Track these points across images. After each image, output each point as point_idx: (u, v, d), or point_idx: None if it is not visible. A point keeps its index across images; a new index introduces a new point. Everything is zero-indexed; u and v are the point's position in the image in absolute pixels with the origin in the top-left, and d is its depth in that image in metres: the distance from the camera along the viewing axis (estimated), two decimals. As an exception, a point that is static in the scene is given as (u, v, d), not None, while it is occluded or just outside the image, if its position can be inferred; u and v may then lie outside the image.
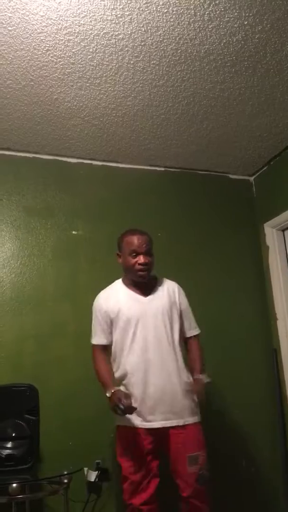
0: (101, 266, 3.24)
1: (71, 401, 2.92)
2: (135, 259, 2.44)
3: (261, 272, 3.59)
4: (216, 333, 3.23)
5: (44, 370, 2.92)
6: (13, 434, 2.38)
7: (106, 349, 2.50)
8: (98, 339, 2.50)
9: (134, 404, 2.22)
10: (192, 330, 2.57)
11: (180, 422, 2.31)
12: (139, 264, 2.43)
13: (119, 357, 2.43)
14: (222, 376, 3.11)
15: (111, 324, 2.47)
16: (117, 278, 3.21)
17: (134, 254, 2.45)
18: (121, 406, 2.16)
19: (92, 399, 2.92)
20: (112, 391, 2.26)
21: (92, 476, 2.82)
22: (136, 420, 2.31)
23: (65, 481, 2.32)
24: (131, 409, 2.19)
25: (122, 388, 2.35)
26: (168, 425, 2.31)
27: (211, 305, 3.34)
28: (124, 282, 2.56)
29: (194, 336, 2.57)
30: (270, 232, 3.58)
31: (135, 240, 2.47)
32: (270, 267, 3.54)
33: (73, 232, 3.29)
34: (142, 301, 2.47)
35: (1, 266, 3.07)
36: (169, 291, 2.54)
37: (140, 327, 2.40)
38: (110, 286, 2.60)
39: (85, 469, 2.81)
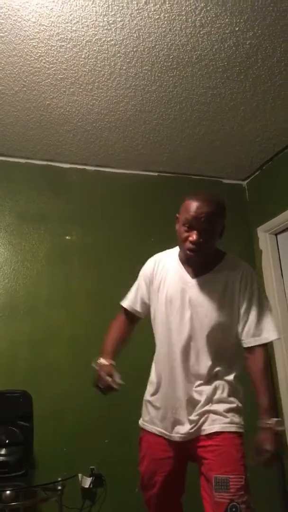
0: (95, 271, 3.25)
1: (65, 407, 2.91)
2: (187, 234, 1.86)
3: (254, 276, 3.60)
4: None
5: (38, 376, 2.90)
6: (7, 441, 2.38)
7: (129, 315, 2.15)
8: (126, 300, 2.16)
9: (117, 381, 1.87)
10: (252, 339, 1.88)
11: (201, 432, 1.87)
12: (190, 242, 1.85)
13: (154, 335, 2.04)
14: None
15: (149, 295, 2.08)
16: (112, 283, 3.23)
17: (188, 225, 1.85)
18: (99, 385, 1.88)
19: (86, 405, 2.92)
20: (99, 361, 1.95)
21: (87, 482, 2.81)
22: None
23: (59, 487, 2.32)
24: (109, 390, 1.88)
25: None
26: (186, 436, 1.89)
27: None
28: (179, 255, 2.03)
29: (256, 347, 1.88)
30: (263, 236, 3.59)
31: (194, 207, 1.83)
32: (263, 271, 3.54)
33: (67, 237, 3.29)
34: (186, 282, 1.95)
35: (-6, 272, 3.06)
36: (229, 278, 1.92)
37: (168, 313, 1.95)
38: (167, 251, 2.14)
39: (80, 475, 2.80)
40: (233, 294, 1.91)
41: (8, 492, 2.17)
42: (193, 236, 1.84)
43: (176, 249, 2.06)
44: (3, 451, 2.34)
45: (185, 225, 1.86)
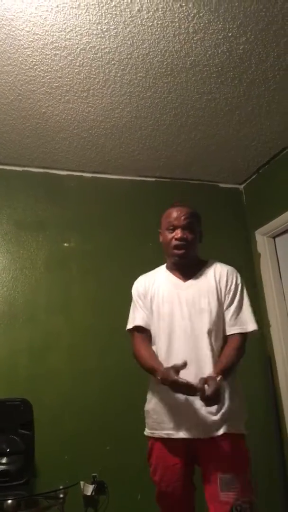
0: (94, 278, 3.25)
1: (66, 414, 2.90)
2: (172, 234, 2.08)
3: (253, 279, 3.60)
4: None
5: (38, 384, 2.90)
6: (8, 450, 2.36)
7: (145, 334, 2.12)
8: (133, 321, 2.16)
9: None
10: (234, 327, 2.03)
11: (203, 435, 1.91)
12: (176, 239, 2.06)
13: (154, 344, 2.10)
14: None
15: (149, 307, 2.14)
16: (111, 289, 3.23)
17: (171, 227, 2.08)
18: (180, 381, 1.78)
19: (87, 412, 2.92)
20: (160, 373, 1.88)
21: (89, 489, 2.80)
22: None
23: (61, 495, 2.30)
24: (190, 388, 1.78)
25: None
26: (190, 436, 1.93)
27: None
28: (167, 266, 2.22)
29: (236, 334, 2.03)
30: (261, 240, 3.60)
31: (173, 212, 2.10)
32: (262, 274, 3.55)
33: (65, 245, 3.29)
34: (180, 286, 2.10)
35: (-7, 280, 3.06)
36: (215, 276, 2.10)
37: (169, 314, 2.05)
38: (152, 271, 2.28)
39: (82, 483, 2.79)
40: (221, 291, 2.08)
41: (9, 501, 2.15)
42: (178, 233, 2.05)
43: (161, 266, 2.25)
44: (4, 460, 2.33)
45: (168, 229, 2.10)
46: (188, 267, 2.12)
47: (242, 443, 1.91)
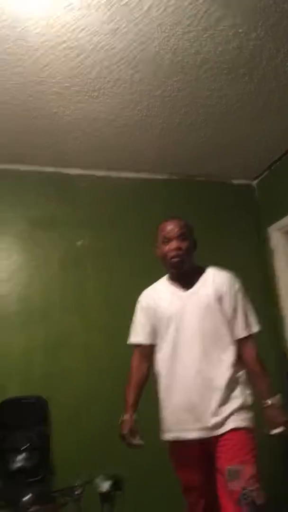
0: (108, 275, 3.27)
1: (81, 411, 2.93)
2: (168, 246, 2.17)
3: (267, 275, 3.59)
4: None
5: (54, 382, 2.93)
6: (24, 447, 2.40)
7: (146, 350, 2.22)
8: (134, 337, 2.26)
9: (137, 441, 2.11)
10: (243, 331, 2.12)
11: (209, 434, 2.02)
12: (171, 249, 2.16)
13: (155, 355, 2.21)
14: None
15: (152, 319, 2.21)
16: (124, 287, 3.25)
17: (166, 240, 2.19)
18: (123, 442, 2.11)
19: (102, 408, 2.94)
20: (123, 418, 2.15)
21: (105, 486, 2.82)
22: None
23: (78, 492, 2.33)
24: (131, 446, 2.11)
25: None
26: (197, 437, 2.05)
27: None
28: (168, 278, 2.28)
29: (246, 337, 2.13)
30: (275, 235, 3.58)
31: (166, 226, 2.21)
32: (276, 269, 3.53)
33: (78, 243, 3.31)
34: (182, 296, 2.17)
35: (8, 278, 3.09)
36: (216, 283, 2.16)
37: (174, 325, 2.12)
38: (154, 284, 2.34)
39: (97, 479, 2.81)
40: (222, 297, 2.13)
41: (26, 497, 2.19)
42: (173, 244, 2.15)
43: (163, 278, 2.31)
44: (20, 457, 2.37)
45: (164, 242, 2.19)
46: (187, 276, 2.19)
47: (248, 437, 2.01)
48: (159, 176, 3.62)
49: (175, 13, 2.14)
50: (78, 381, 2.99)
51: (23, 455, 2.36)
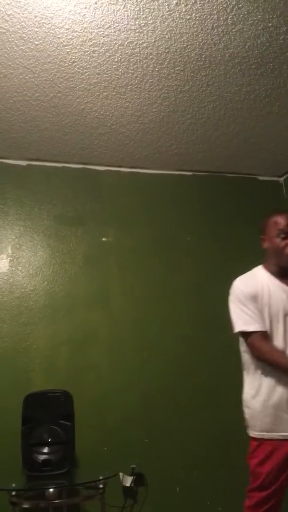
0: (132, 272, 3.27)
1: (105, 406, 2.95)
2: (285, 241, 2.13)
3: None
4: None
5: (78, 376, 2.95)
6: (49, 440, 2.43)
7: (264, 334, 2.10)
8: (256, 325, 2.10)
9: None
10: None
11: None
12: None
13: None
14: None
15: (260, 308, 2.13)
16: (148, 284, 3.26)
17: (283, 235, 2.14)
18: None
19: (126, 404, 2.95)
20: None
21: (128, 481, 2.84)
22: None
23: (101, 486, 2.35)
24: None
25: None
26: None
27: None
28: (268, 269, 2.23)
29: None
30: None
31: (283, 220, 2.16)
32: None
33: (103, 239, 3.33)
34: (286, 290, 2.15)
35: (34, 274, 3.13)
36: None
37: (282, 316, 2.10)
38: (249, 272, 2.28)
39: (121, 474, 2.83)
40: None
41: (51, 490, 2.21)
42: None
43: (258, 268, 2.26)
44: (46, 450, 2.39)
45: (279, 236, 2.14)
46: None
47: None
48: (185, 172, 3.60)
49: (203, 7, 2.12)
50: (102, 375, 3.01)
51: (49, 448, 2.38)
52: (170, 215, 3.45)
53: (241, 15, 2.17)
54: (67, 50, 2.32)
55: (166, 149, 3.27)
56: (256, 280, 2.19)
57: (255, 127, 3.06)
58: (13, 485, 2.31)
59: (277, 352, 2.05)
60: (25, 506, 2.32)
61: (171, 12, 2.14)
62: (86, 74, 2.48)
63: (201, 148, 3.28)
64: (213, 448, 3.02)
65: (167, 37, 2.27)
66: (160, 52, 2.36)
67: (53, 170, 3.36)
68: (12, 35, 2.21)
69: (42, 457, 2.38)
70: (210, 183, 3.64)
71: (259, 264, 2.28)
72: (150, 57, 2.39)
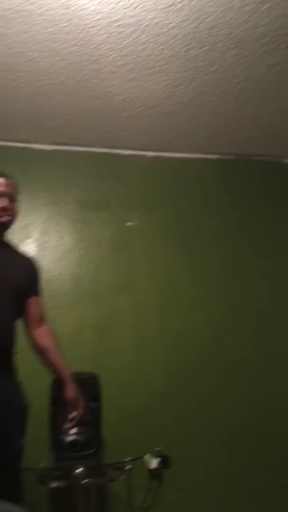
0: (157, 257, 3.27)
1: (131, 390, 2.97)
2: None
3: None
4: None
5: (104, 360, 2.97)
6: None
7: None
8: None
9: None
10: None
11: None
12: None
13: None
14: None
15: None
16: (173, 269, 3.25)
17: None
18: None
19: (151, 387, 2.97)
20: None
21: (154, 463, 2.86)
22: None
23: (128, 467, 2.38)
24: None
25: None
26: None
27: (273, 295, 3.29)
28: None
29: None
30: None
31: None
32: None
33: (128, 224, 3.32)
34: None
35: (60, 258, 3.15)
36: None
37: None
38: None
39: (147, 456, 2.85)
40: None
41: (79, 469, 2.25)
42: None
43: None
44: (74, 430, 2.42)
45: None
46: None
47: None
48: (211, 156, 3.55)
49: (233, -15, 2.07)
50: (127, 359, 3.03)
51: (77, 429, 2.41)
52: (195, 199, 3.42)
53: (271, -8, 2.11)
54: (94, 31, 2.29)
55: (191, 132, 3.23)
56: None
57: (283, 109, 2.99)
58: (42, 464, 2.35)
59: None
60: (53, 485, 2.36)
61: (199, -9, 2.09)
62: (112, 56, 2.46)
63: (227, 131, 3.23)
64: (242, 433, 3.04)
65: (194, 16, 2.23)
66: (187, 32, 2.32)
67: (78, 154, 3.35)
68: (38, 18, 2.20)
69: (70, 437, 2.41)
70: (236, 166, 3.58)
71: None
72: (177, 37, 2.35)
